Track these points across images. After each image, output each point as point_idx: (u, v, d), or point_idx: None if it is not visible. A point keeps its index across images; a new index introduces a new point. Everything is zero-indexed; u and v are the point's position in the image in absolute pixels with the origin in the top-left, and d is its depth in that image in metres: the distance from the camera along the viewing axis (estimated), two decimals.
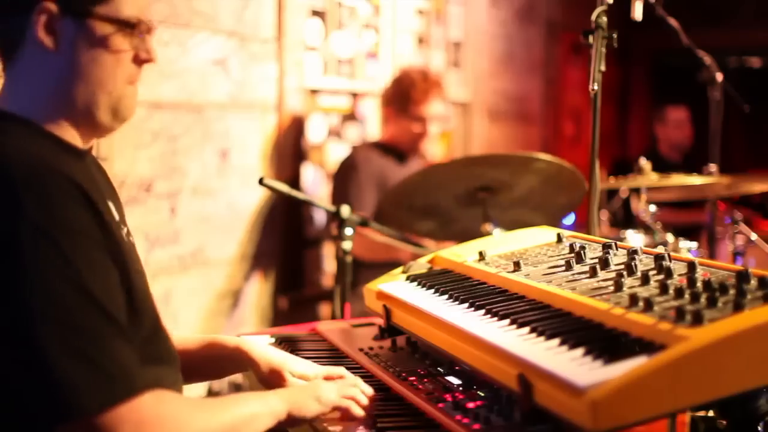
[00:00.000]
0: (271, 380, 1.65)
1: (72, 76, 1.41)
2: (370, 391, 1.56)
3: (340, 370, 1.65)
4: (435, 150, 4.37)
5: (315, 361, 1.80)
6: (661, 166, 3.63)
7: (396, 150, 3.78)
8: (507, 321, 1.44)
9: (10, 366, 1.21)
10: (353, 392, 1.53)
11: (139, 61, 1.46)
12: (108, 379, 1.21)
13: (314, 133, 3.93)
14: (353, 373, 1.72)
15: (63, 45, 1.39)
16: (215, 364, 1.74)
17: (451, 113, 5.02)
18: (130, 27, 1.43)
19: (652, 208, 3.31)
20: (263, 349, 1.71)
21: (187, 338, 1.74)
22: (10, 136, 1.34)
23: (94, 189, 1.37)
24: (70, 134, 1.43)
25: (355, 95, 4.22)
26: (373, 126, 4.32)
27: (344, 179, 3.65)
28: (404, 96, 3.72)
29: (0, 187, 1.25)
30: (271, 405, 1.43)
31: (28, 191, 1.25)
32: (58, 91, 1.41)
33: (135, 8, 1.44)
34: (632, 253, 1.56)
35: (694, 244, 3.15)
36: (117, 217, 1.48)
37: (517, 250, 1.84)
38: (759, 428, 1.31)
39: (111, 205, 1.47)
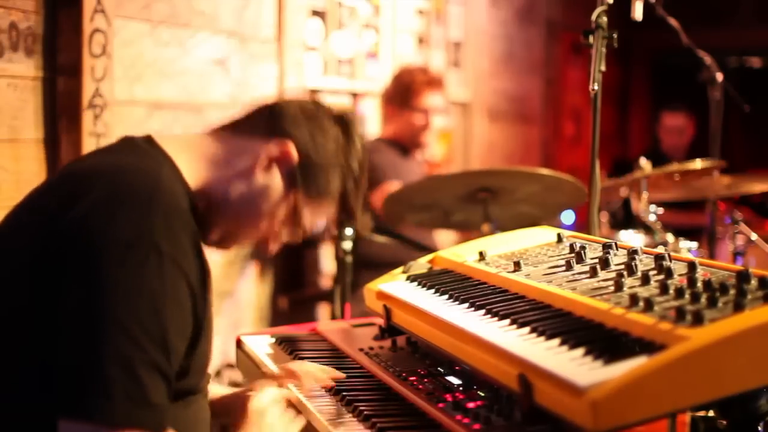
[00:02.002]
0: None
1: (238, 196, 1.49)
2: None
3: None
4: (436, 148, 4.38)
5: (315, 361, 1.79)
6: (663, 166, 3.63)
7: (399, 144, 3.79)
8: (507, 321, 1.44)
9: (59, 343, 1.24)
10: (284, 400, 1.55)
11: (265, 238, 1.56)
12: (145, 404, 1.23)
13: None
14: (353, 373, 1.72)
15: (263, 177, 1.49)
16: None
17: (450, 113, 5.02)
18: (295, 225, 1.55)
19: (655, 208, 3.30)
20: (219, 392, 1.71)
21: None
22: (166, 172, 1.42)
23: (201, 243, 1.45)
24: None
25: (355, 95, 4.22)
26: (373, 126, 4.32)
27: None
28: (405, 90, 3.74)
29: (144, 204, 1.31)
30: None
31: (164, 219, 1.30)
32: (221, 190, 1.49)
33: (310, 220, 1.56)
34: (632, 253, 1.56)
35: (694, 244, 3.15)
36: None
37: (517, 250, 1.84)
38: (759, 428, 1.31)
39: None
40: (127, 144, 1.50)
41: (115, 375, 1.21)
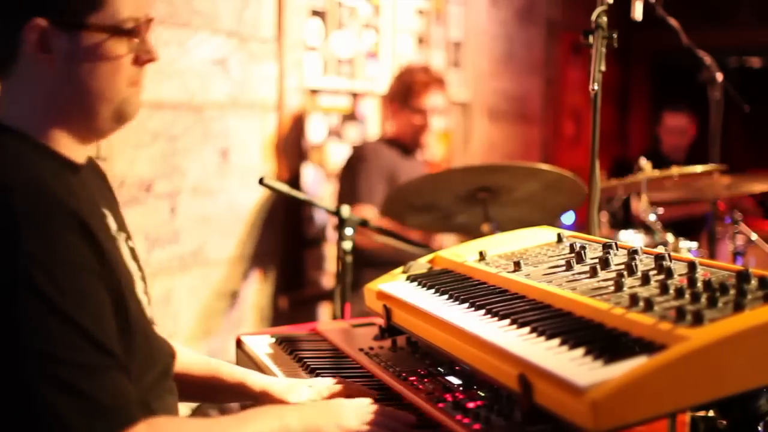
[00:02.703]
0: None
1: (70, 89, 1.38)
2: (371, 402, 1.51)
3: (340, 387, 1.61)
4: (436, 147, 4.38)
5: (315, 361, 1.80)
6: (663, 166, 3.63)
7: (400, 144, 3.80)
8: (507, 321, 1.44)
9: (2, 401, 1.19)
10: (373, 419, 1.44)
11: (140, 62, 1.43)
12: (99, 412, 1.19)
13: (314, 133, 3.93)
14: (353, 373, 1.72)
15: (58, 59, 1.36)
16: (216, 394, 1.71)
17: (450, 113, 5.02)
18: (126, 31, 1.38)
19: (654, 216, 3.30)
20: (265, 383, 1.65)
21: (192, 361, 1.70)
22: (5, 152, 1.32)
23: (90, 208, 1.35)
24: (68, 146, 1.40)
25: (355, 95, 4.22)
26: (373, 126, 4.32)
27: (354, 172, 3.66)
28: (406, 90, 3.76)
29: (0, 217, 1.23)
30: (288, 423, 1.37)
31: (27, 223, 1.22)
32: (55, 103, 1.38)
33: (130, 8, 1.39)
34: (632, 253, 1.56)
35: (694, 244, 3.15)
36: (115, 226, 1.46)
37: (517, 250, 1.84)
38: (759, 428, 1.31)
39: (109, 215, 1.45)
40: None
41: (57, 401, 1.17)
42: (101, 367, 1.23)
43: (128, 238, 1.52)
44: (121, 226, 1.50)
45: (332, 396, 1.59)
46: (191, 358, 1.72)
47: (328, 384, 1.62)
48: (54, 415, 1.17)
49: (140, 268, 1.51)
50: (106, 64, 1.38)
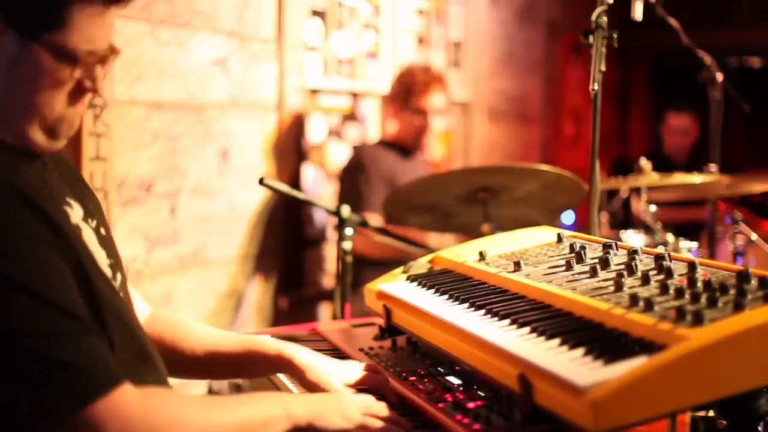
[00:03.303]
0: (317, 388, 1.58)
1: (5, 94, 1.34)
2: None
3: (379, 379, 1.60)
4: (436, 148, 4.38)
5: None
6: (665, 167, 3.63)
7: (400, 146, 3.80)
8: (507, 321, 1.44)
9: None
10: (377, 410, 1.45)
11: (80, 91, 1.38)
12: (79, 375, 1.17)
13: (314, 133, 3.93)
14: None
15: (2, 59, 1.33)
16: (253, 367, 1.69)
17: (451, 113, 5.02)
18: (74, 59, 1.35)
19: (653, 207, 3.31)
20: (307, 355, 1.64)
21: (225, 338, 1.69)
22: None
23: (42, 190, 1.33)
24: (13, 138, 1.36)
25: (355, 95, 4.22)
26: (373, 126, 4.32)
27: (353, 179, 3.65)
28: (406, 90, 3.75)
29: None
30: (291, 409, 1.36)
31: None
32: None
33: (89, 39, 1.35)
34: (632, 253, 1.56)
35: (694, 244, 3.15)
36: (80, 213, 1.43)
37: (517, 250, 1.84)
38: (759, 428, 1.31)
39: (74, 203, 1.42)
40: None
41: (35, 374, 1.16)
42: (72, 333, 1.21)
43: (101, 225, 1.49)
44: (91, 214, 1.47)
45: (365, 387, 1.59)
46: (223, 334, 1.71)
47: (357, 372, 1.61)
48: (34, 390, 1.16)
49: (112, 256, 1.48)
50: (45, 82, 1.34)
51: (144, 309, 1.71)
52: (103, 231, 1.49)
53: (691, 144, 5.40)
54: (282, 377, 1.73)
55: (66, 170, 1.52)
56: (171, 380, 1.58)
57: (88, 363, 1.19)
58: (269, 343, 1.67)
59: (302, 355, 1.63)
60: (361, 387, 1.60)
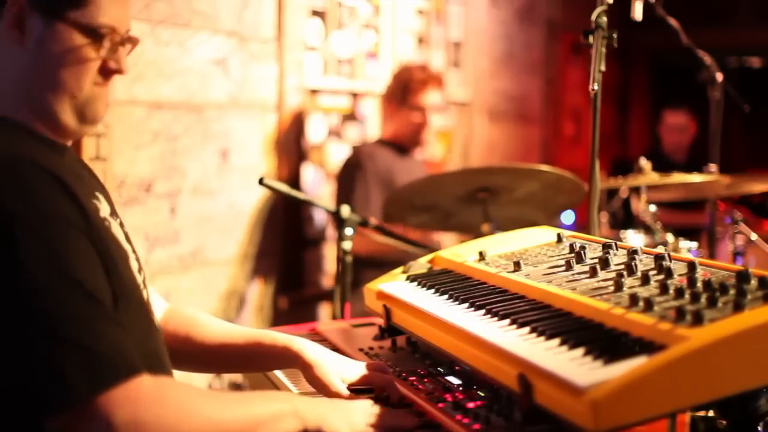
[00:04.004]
0: (321, 384, 1.58)
1: (35, 76, 1.38)
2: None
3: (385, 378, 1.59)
4: (435, 147, 4.38)
5: None
6: (664, 166, 3.63)
7: (398, 145, 3.79)
8: (507, 321, 1.44)
9: (2, 361, 1.20)
10: (378, 421, 1.43)
11: (106, 71, 1.42)
12: (98, 361, 1.18)
13: (314, 133, 3.93)
14: None
15: (29, 41, 1.37)
16: (261, 360, 1.69)
17: (450, 112, 5.02)
18: (100, 37, 1.39)
19: (652, 207, 3.31)
20: (315, 351, 1.63)
21: (235, 332, 1.70)
22: None
23: (74, 180, 1.35)
24: (44, 129, 1.40)
25: (355, 95, 4.22)
26: (373, 126, 4.32)
27: (350, 179, 3.65)
28: (403, 88, 3.75)
29: None
30: (301, 410, 1.36)
31: (4, 184, 1.24)
32: (23, 87, 1.39)
33: (111, 18, 1.40)
34: (632, 253, 1.56)
35: (694, 244, 3.15)
36: (108, 209, 1.45)
37: (517, 250, 1.84)
38: (759, 428, 1.31)
39: (100, 196, 1.44)
40: None
41: (56, 355, 1.17)
42: (94, 318, 1.22)
43: (122, 224, 1.51)
44: (115, 211, 1.50)
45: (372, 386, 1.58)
46: (231, 328, 1.72)
47: (360, 370, 1.60)
48: (52, 371, 1.17)
49: (134, 252, 1.50)
50: (73, 61, 1.38)
51: (162, 305, 1.73)
52: (124, 229, 1.51)
53: (689, 142, 5.40)
54: (281, 376, 1.73)
55: (86, 170, 1.54)
56: (178, 374, 1.60)
57: (108, 349, 1.20)
58: (277, 337, 1.67)
59: (311, 350, 1.62)
60: (366, 386, 1.59)
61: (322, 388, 1.58)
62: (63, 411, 1.17)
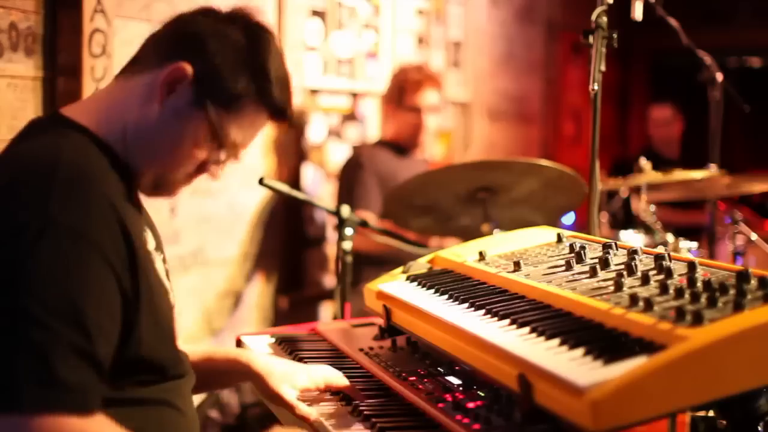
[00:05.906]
0: (271, 394, 1.63)
1: (150, 133, 1.43)
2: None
3: (338, 378, 1.65)
4: (434, 147, 4.37)
5: (315, 362, 1.80)
6: (657, 163, 3.63)
7: (397, 146, 3.79)
8: (507, 321, 1.44)
9: None
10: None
11: (202, 169, 1.48)
12: (57, 387, 1.19)
13: (314, 133, 3.93)
14: (353, 373, 1.72)
15: (168, 104, 1.42)
16: (215, 376, 1.73)
17: (450, 113, 5.02)
18: (222, 145, 1.45)
19: (653, 207, 3.32)
20: (265, 361, 1.67)
21: (192, 351, 1.71)
22: (68, 140, 1.37)
23: (130, 211, 1.39)
24: (130, 164, 1.44)
25: (355, 95, 4.22)
26: (373, 126, 4.32)
27: (350, 179, 3.65)
28: (400, 89, 3.75)
29: (40, 182, 1.27)
30: None
31: (62, 192, 1.27)
32: (135, 131, 1.43)
33: (241, 136, 1.47)
34: (632, 253, 1.56)
35: (694, 244, 3.15)
36: (154, 244, 1.50)
37: (517, 250, 1.84)
38: (759, 428, 1.31)
39: (149, 231, 1.49)
40: (30, 127, 1.46)
41: (23, 363, 1.18)
42: (82, 351, 1.22)
43: (164, 260, 1.56)
44: (159, 246, 1.54)
45: (327, 387, 1.64)
46: (187, 349, 1.73)
47: (325, 373, 1.66)
48: (14, 376, 1.18)
49: (171, 290, 1.55)
50: (188, 146, 1.44)
51: None
52: (166, 265, 1.56)
53: (678, 136, 5.39)
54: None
55: (142, 206, 1.58)
56: None
57: (74, 382, 1.21)
58: (229, 351, 1.72)
59: (259, 361, 1.67)
60: (320, 390, 1.65)
61: (272, 399, 1.63)
62: (3, 414, 1.18)
